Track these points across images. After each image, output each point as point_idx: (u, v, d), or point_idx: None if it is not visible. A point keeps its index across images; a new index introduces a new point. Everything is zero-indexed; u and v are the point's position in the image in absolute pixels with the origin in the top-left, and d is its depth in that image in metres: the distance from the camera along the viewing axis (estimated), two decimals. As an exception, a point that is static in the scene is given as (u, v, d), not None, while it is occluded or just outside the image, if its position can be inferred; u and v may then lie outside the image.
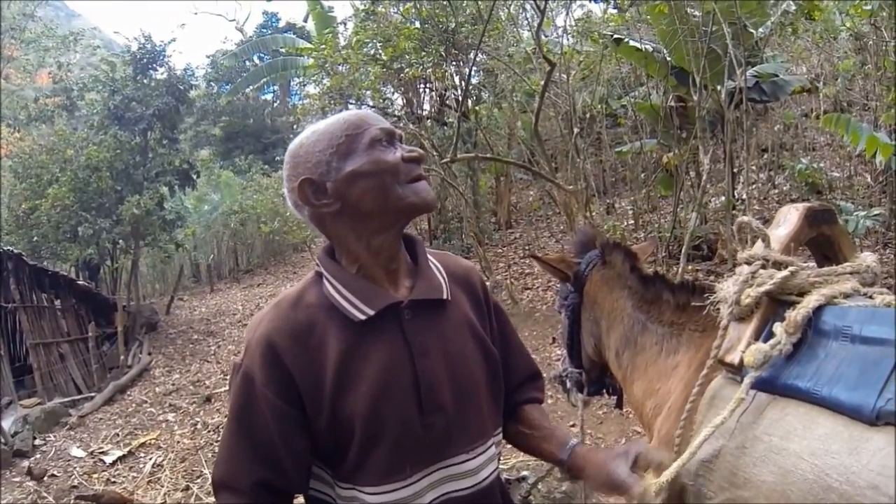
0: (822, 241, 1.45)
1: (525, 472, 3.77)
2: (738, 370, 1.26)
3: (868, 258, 1.30)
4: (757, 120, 8.56)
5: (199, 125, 21.84)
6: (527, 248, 10.04)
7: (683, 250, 5.91)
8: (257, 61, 20.80)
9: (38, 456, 7.14)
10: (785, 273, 1.25)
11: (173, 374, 9.91)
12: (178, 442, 6.99)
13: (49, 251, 11.83)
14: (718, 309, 1.35)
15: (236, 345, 10.51)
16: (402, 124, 9.21)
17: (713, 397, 1.32)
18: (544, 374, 1.56)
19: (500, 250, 10.44)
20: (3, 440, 7.17)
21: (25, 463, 6.85)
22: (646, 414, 1.79)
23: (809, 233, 1.41)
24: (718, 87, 6.35)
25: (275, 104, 24.82)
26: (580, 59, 8.74)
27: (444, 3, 8.25)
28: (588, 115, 8.74)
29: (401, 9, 9.03)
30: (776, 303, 1.27)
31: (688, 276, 6.10)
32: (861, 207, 5.89)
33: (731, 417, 1.19)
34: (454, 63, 9.35)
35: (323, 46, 9.74)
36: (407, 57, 8.53)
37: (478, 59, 8.56)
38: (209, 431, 7.11)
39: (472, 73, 9.01)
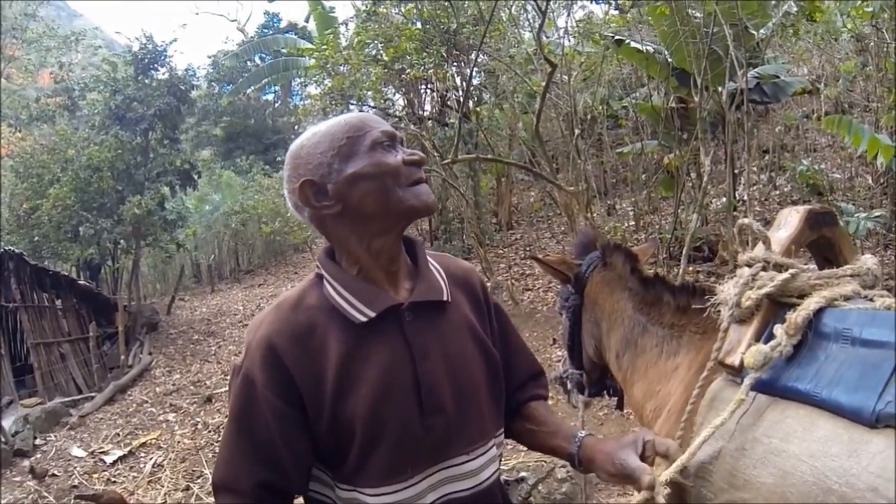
0: (822, 243, 1.45)
1: (525, 473, 3.77)
2: (738, 372, 1.26)
3: (868, 261, 1.30)
4: (758, 121, 8.56)
5: (200, 125, 21.86)
6: (528, 249, 10.04)
7: (684, 252, 5.91)
8: (258, 62, 20.82)
9: (38, 455, 7.15)
10: (785, 275, 1.25)
11: (174, 374, 9.92)
12: (179, 442, 7.00)
13: (50, 251, 11.84)
14: (719, 311, 1.35)
15: (237, 345, 10.52)
16: (403, 125, 9.22)
17: (713, 399, 1.32)
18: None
19: (500, 251, 10.44)
20: (3, 439, 7.18)
21: (26, 462, 6.86)
22: (646, 416, 1.79)
23: (810, 235, 1.41)
24: (719, 89, 6.35)
25: (276, 105, 24.84)
26: (581, 60, 8.74)
27: (446, 3, 8.26)
28: (589, 117, 8.74)
29: (402, 9, 9.04)
30: (777, 305, 1.27)
31: (689, 278, 6.10)
32: (862, 209, 5.88)
33: (730, 419, 1.19)
34: (455, 64, 9.35)
35: (324, 47, 9.75)
36: (408, 58, 8.53)
37: (479, 59, 8.57)
38: (210, 431, 7.11)
39: (474, 73, 9.02)
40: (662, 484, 1.16)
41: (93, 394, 9.46)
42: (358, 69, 9.01)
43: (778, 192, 8.18)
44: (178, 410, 8.15)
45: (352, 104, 9.49)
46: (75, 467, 6.73)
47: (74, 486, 6.23)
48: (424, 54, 8.48)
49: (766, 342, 1.21)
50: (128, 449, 7.03)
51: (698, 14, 6.16)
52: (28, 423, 7.79)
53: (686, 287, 1.81)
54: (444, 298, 1.30)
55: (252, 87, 19.41)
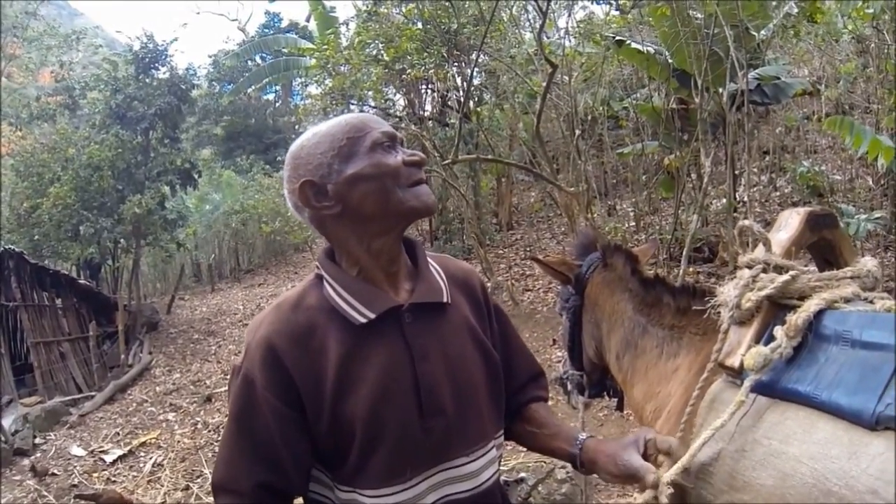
0: (823, 245, 1.45)
1: (524, 474, 3.77)
2: (738, 374, 1.26)
3: (869, 262, 1.30)
4: (758, 122, 8.56)
5: (200, 125, 21.85)
6: (528, 249, 10.04)
7: (684, 252, 5.91)
8: (259, 61, 20.82)
9: (38, 455, 7.15)
10: (786, 277, 1.25)
11: (174, 373, 9.92)
12: (179, 441, 7.00)
13: (50, 250, 11.84)
14: (719, 312, 1.35)
15: (237, 344, 10.52)
16: (403, 125, 9.22)
17: (713, 401, 1.32)
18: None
19: (501, 251, 10.45)
20: (3, 438, 7.18)
21: (26, 461, 6.86)
22: (646, 417, 1.79)
23: (811, 237, 1.41)
24: (720, 90, 6.35)
25: (277, 104, 24.84)
26: (582, 60, 8.74)
27: (447, 4, 8.26)
28: (590, 117, 8.74)
29: (403, 10, 9.04)
30: (777, 307, 1.27)
31: (689, 279, 6.10)
32: (862, 210, 5.88)
33: (730, 420, 1.19)
34: (456, 64, 9.35)
35: (325, 47, 9.75)
36: (409, 58, 8.54)
37: (480, 60, 8.56)
38: (209, 431, 7.12)
39: (474, 74, 9.02)
40: (666, 483, 1.16)
41: (93, 393, 9.46)
42: (358, 69, 9.01)
43: (778, 194, 8.18)
44: (177, 410, 8.15)
45: (352, 104, 9.50)
46: (75, 466, 6.73)
47: (74, 486, 6.23)
48: (425, 54, 8.48)
49: (766, 344, 1.21)
50: (128, 448, 7.03)
51: (699, 15, 6.16)
52: (28, 422, 7.79)
53: (686, 288, 1.81)
54: (444, 300, 1.29)
55: (253, 87, 19.41)
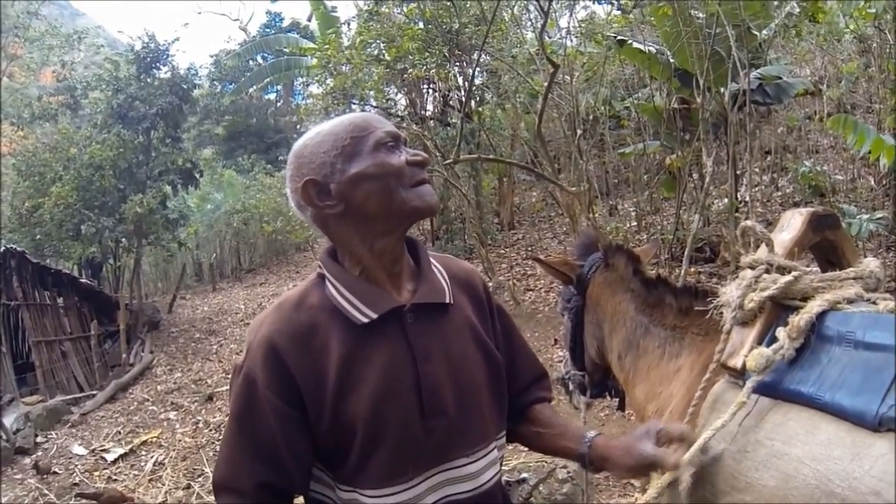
0: (825, 245, 1.45)
1: (525, 474, 3.77)
2: (740, 374, 1.26)
3: (871, 263, 1.30)
4: (760, 122, 8.55)
5: (202, 124, 21.85)
6: (529, 249, 10.04)
7: (686, 252, 5.91)
8: (261, 61, 20.84)
9: (39, 453, 7.16)
10: (788, 278, 1.25)
11: (175, 372, 9.92)
12: (180, 440, 7.00)
13: (52, 249, 11.86)
14: (721, 313, 1.35)
15: (238, 344, 10.53)
16: (405, 125, 9.22)
17: (715, 401, 1.31)
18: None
19: (502, 251, 10.45)
20: (5, 437, 7.19)
21: (27, 460, 6.87)
22: (647, 417, 1.79)
23: (813, 237, 1.41)
24: (722, 90, 6.34)
25: (278, 104, 24.85)
26: (584, 60, 8.74)
27: (448, 3, 8.25)
28: (591, 117, 8.74)
29: (404, 9, 9.04)
30: (779, 307, 1.27)
31: (690, 279, 6.10)
32: (864, 211, 5.88)
33: (732, 421, 1.19)
34: (457, 64, 9.35)
35: (326, 46, 9.74)
36: (410, 57, 8.54)
37: (481, 60, 8.56)
38: (211, 430, 7.12)
39: (476, 73, 9.01)
40: (686, 463, 1.16)
41: (94, 392, 9.46)
42: (360, 69, 9.02)
43: (780, 194, 8.17)
44: (179, 409, 8.15)
45: (354, 104, 9.50)
46: (76, 465, 6.74)
47: (75, 484, 6.23)
48: (426, 54, 8.48)
49: (768, 345, 1.21)
50: (129, 447, 7.03)
51: (701, 15, 6.15)
52: (29, 421, 7.80)
53: (688, 289, 1.81)
54: (447, 300, 1.29)
55: (254, 87, 19.43)
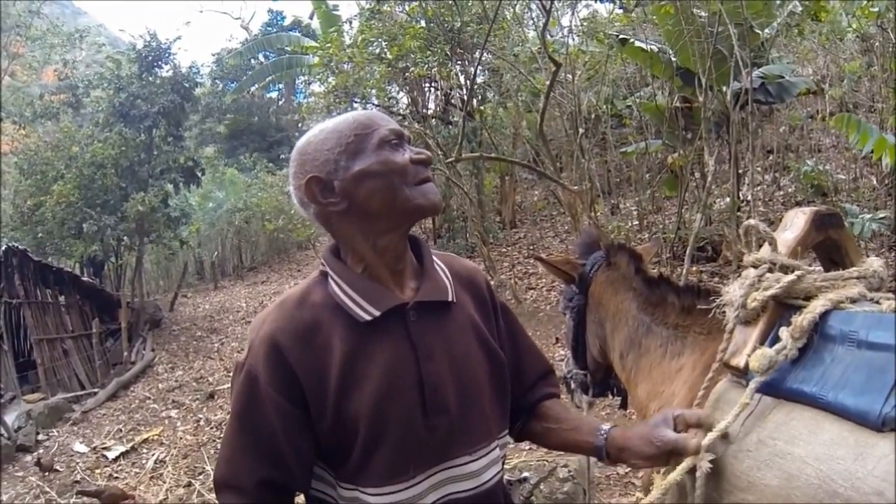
0: (828, 245, 1.45)
1: (527, 473, 3.76)
2: (743, 374, 1.25)
3: (875, 263, 1.30)
4: (762, 121, 8.54)
5: (204, 123, 21.88)
6: (531, 247, 10.04)
7: (688, 251, 5.91)
8: (262, 59, 20.83)
9: (41, 451, 7.17)
10: (791, 277, 1.24)
11: (176, 370, 9.94)
12: (181, 438, 7.01)
13: (54, 247, 11.88)
14: (724, 312, 1.35)
15: (240, 342, 10.54)
16: (406, 123, 9.22)
17: (718, 400, 1.31)
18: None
19: (504, 250, 10.44)
20: (6, 435, 7.20)
21: (28, 458, 6.88)
22: (649, 416, 1.78)
23: (816, 237, 1.40)
24: (724, 88, 6.33)
25: (280, 102, 24.89)
26: (585, 59, 8.72)
27: (450, 2, 8.25)
28: (593, 116, 8.72)
29: (406, 8, 9.04)
30: (782, 307, 1.26)
31: (692, 278, 6.10)
32: (866, 210, 5.87)
33: (735, 422, 1.18)
34: (459, 62, 9.35)
35: (328, 45, 9.74)
36: (412, 56, 8.54)
37: (483, 58, 8.56)
38: (212, 428, 7.13)
39: (478, 72, 9.01)
40: (706, 447, 1.16)
41: (95, 390, 9.48)
42: (362, 67, 9.01)
43: (782, 193, 8.16)
44: (180, 407, 8.16)
45: (356, 102, 9.50)
46: (77, 463, 6.75)
47: (77, 482, 6.25)
48: (428, 53, 8.48)
49: (771, 344, 1.21)
50: (130, 445, 7.04)
51: (703, 13, 6.15)
52: (31, 419, 7.82)
53: (691, 287, 1.81)
54: (450, 299, 1.29)
55: (256, 85, 19.45)
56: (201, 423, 7.39)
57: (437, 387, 1.21)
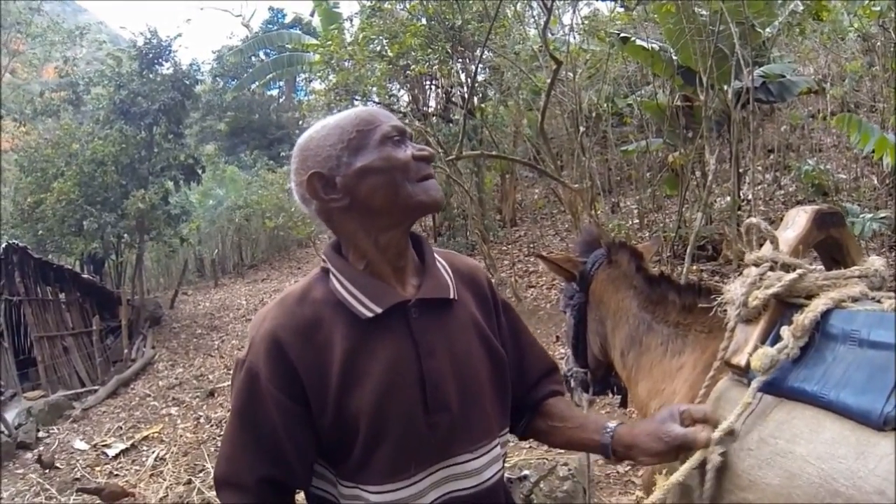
0: (830, 243, 1.44)
1: (527, 472, 3.76)
2: (744, 372, 1.25)
3: (876, 262, 1.29)
4: (763, 120, 8.54)
5: (204, 120, 21.87)
6: (531, 246, 10.03)
7: (688, 250, 5.90)
8: (263, 57, 20.81)
9: (41, 448, 7.18)
10: (793, 276, 1.24)
11: (177, 368, 9.94)
12: (181, 436, 7.02)
13: (54, 245, 11.89)
14: (725, 310, 1.35)
15: (240, 339, 10.54)
16: (407, 121, 9.20)
17: (719, 399, 1.31)
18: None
19: (504, 248, 10.44)
20: (6, 432, 7.20)
21: (29, 455, 6.89)
22: (650, 414, 1.78)
23: (818, 235, 1.40)
24: (725, 87, 6.33)
25: (280, 100, 24.88)
26: (587, 57, 8.71)
27: (451, 0, 8.24)
28: (594, 114, 8.71)
29: (407, 5, 9.03)
30: (784, 305, 1.26)
31: (692, 277, 6.09)
32: (867, 210, 5.86)
33: (737, 421, 1.18)
34: (460, 60, 9.35)
35: (329, 43, 9.74)
36: (413, 54, 8.53)
37: (484, 56, 8.55)
38: (212, 426, 7.13)
39: (478, 70, 9.00)
40: (716, 441, 1.15)
41: (96, 387, 9.49)
42: (362, 65, 9.00)
43: (783, 192, 8.15)
44: (180, 404, 8.17)
45: (356, 100, 9.49)
46: (78, 460, 6.76)
47: (77, 479, 6.26)
48: (429, 50, 8.47)
49: (773, 343, 1.21)
50: (130, 442, 7.05)
51: (704, 12, 6.14)
52: (31, 416, 7.83)
53: (692, 286, 1.81)
54: (451, 296, 1.29)
55: (256, 83, 19.43)
56: (201, 420, 7.39)
57: (439, 384, 1.21)
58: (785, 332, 1.19)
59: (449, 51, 8.67)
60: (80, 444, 7.22)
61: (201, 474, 5.96)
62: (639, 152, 8.42)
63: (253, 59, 21.17)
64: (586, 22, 8.88)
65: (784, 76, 6.87)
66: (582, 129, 7.75)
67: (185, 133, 15.08)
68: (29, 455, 6.92)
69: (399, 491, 1.19)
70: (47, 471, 6.49)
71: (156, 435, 7.21)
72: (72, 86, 15.46)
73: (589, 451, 1.37)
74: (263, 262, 18.06)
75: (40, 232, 11.57)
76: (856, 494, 0.98)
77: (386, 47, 9.06)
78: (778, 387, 1.17)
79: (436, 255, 1.35)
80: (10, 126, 16.19)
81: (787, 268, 1.27)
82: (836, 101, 8.24)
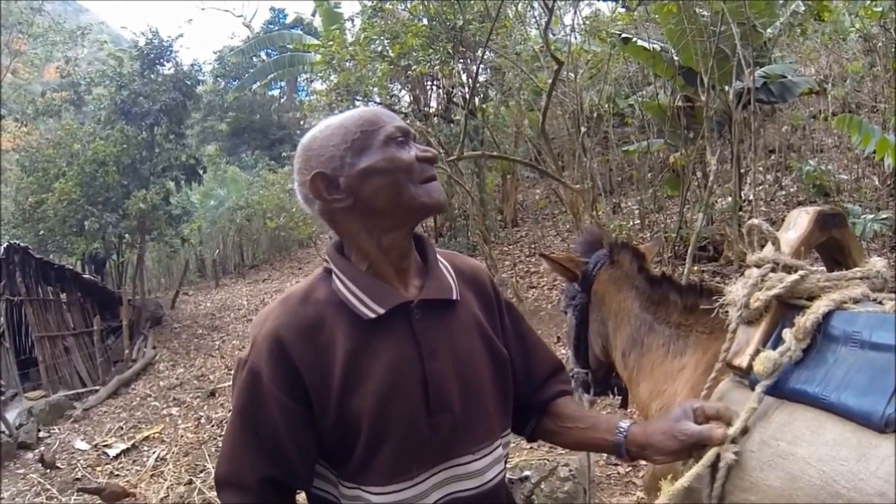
0: (832, 245, 1.44)
1: (528, 472, 3.76)
2: (745, 373, 1.25)
3: (878, 263, 1.29)
4: (765, 121, 8.53)
5: (205, 121, 21.88)
6: (533, 246, 10.03)
7: (689, 251, 5.89)
8: (264, 57, 20.80)
9: (42, 448, 7.18)
10: (795, 277, 1.24)
11: (177, 368, 9.95)
12: (182, 436, 7.02)
13: (55, 245, 11.91)
14: (726, 312, 1.34)
15: (241, 340, 10.55)
16: (409, 121, 9.20)
17: (720, 400, 1.31)
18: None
19: (505, 248, 10.44)
20: (7, 432, 7.21)
21: (30, 455, 6.89)
22: (651, 415, 1.79)
23: (820, 236, 1.40)
24: (726, 88, 6.32)
25: (282, 100, 24.89)
26: (588, 57, 8.71)
27: (452, 0, 8.24)
28: (595, 114, 8.71)
29: (408, 6, 9.02)
30: (785, 306, 1.26)
31: (693, 277, 6.08)
32: (869, 210, 5.86)
33: (741, 426, 1.17)
34: (461, 60, 9.34)
35: (330, 43, 9.73)
36: (414, 54, 8.53)
37: (485, 56, 8.54)
38: (213, 426, 7.14)
39: (480, 70, 8.99)
40: (731, 439, 1.14)
41: (97, 387, 9.50)
42: (364, 65, 9.00)
43: (784, 193, 8.15)
44: (181, 404, 8.17)
45: (357, 100, 9.48)
46: (79, 460, 6.77)
47: (77, 479, 6.26)
48: (430, 51, 8.47)
49: (774, 345, 1.21)
50: (131, 442, 7.06)
51: (705, 12, 6.13)
52: (32, 416, 7.83)
53: (693, 287, 1.81)
54: (454, 297, 1.28)
55: (258, 83, 19.43)
56: (202, 420, 7.40)
57: (441, 385, 1.21)
58: (787, 334, 1.19)
59: (450, 51, 8.66)
60: (80, 444, 7.22)
61: (202, 474, 5.96)
62: (640, 153, 8.42)
63: (254, 59, 21.17)
64: (587, 22, 8.89)
65: (785, 77, 6.87)
66: (583, 129, 7.75)
67: (187, 133, 15.08)
68: (30, 455, 6.93)
69: (401, 492, 1.19)
70: (48, 471, 6.49)
71: (157, 435, 7.21)
72: (73, 86, 15.48)
73: (601, 452, 1.35)
74: (264, 262, 18.07)
75: (42, 232, 11.58)
76: (857, 496, 0.98)
77: (387, 47, 9.05)
78: (779, 388, 1.17)
79: (438, 256, 1.35)
80: (11, 126, 16.22)
81: (788, 269, 1.27)
82: (838, 101, 8.24)
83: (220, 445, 1.29)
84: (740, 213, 6.45)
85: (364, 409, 1.17)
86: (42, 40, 18.47)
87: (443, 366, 1.22)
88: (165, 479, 6.00)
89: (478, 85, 9.60)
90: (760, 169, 7.99)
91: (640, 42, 7.00)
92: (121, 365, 10.45)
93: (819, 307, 1.18)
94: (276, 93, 25.15)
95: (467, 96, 9.04)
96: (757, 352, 1.22)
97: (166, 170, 12.32)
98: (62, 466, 6.66)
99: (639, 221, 8.70)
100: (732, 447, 1.14)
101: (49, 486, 6.13)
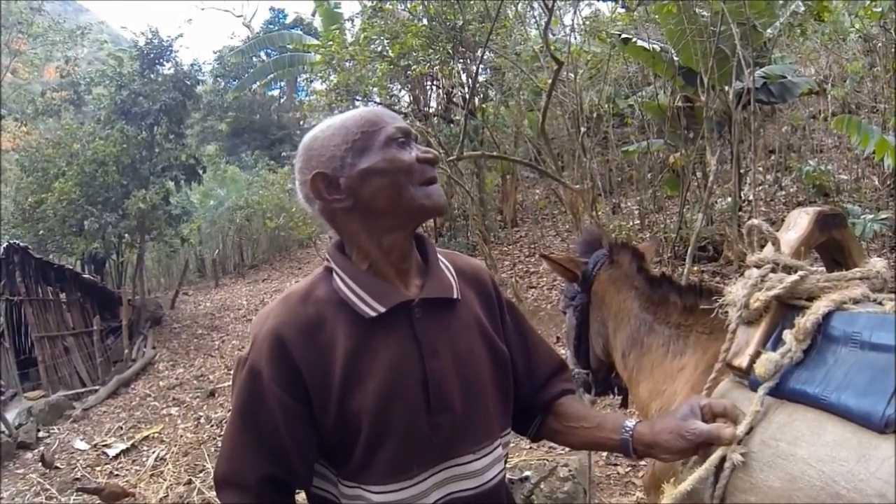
0: (832, 245, 1.44)
1: (527, 472, 3.76)
2: (745, 374, 1.25)
3: (878, 263, 1.29)
4: (764, 121, 8.53)
5: (205, 120, 21.85)
6: (532, 246, 10.03)
7: (689, 251, 5.89)
8: (264, 57, 20.79)
9: (41, 448, 7.18)
10: (795, 277, 1.24)
11: (177, 368, 9.94)
12: (182, 436, 7.02)
13: (55, 245, 11.91)
14: (726, 312, 1.34)
15: (240, 340, 10.55)
16: (408, 121, 9.16)
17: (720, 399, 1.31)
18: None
19: (505, 248, 10.44)
20: (7, 432, 7.21)
21: (29, 455, 6.89)
22: (651, 415, 1.79)
23: (820, 237, 1.40)
24: (726, 88, 6.32)
25: (281, 100, 24.89)
26: (588, 57, 8.71)
27: (452, 0, 8.24)
28: (595, 115, 8.71)
29: (408, 6, 9.02)
30: (785, 307, 1.26)
31: (693, 277, 6.08)
32: (868, 211, 5.86)
33: (744, 427, 1.17)
34: (461, 61, 9.34)
35: (330, 43, 9.72)
36: (414, 54, 8.53)
37: (485, 56, 8.54)
38: (212, 426, 7.13)
39: (480, 70, 8.99)
40: (738, 438, 1.14)
41: (96, 387, 9.49)
42: (364, 65, 9.00)
43: (784, 193, 8.15)
44: (181, 404, 8.17)
45: (357, 100, 9.48)
46: (78, 460, 6.76)
47: (77, 479, 6.26)
48: (430, 51, 8.47)
49: (774, 345, 1.21)
50: (130, 442, 7.05)
51: (705, 13, 6.13)
52: (32, 416, 7.83)
53: (693, 287, 1.81)
54: (455, 296, 1.28)
55: (257, 83, 19.41)
56: (202, 420, 7.39)
57: (442, 384, 1.21)
58: (787, 335, 1.19)
59: (450, 51, 8.66)
60: (80, 444, 7.22)
61: (202, 474, 5.96)
62: (640, 153, 8.42)
63: (254, 59, 21.15)
64: (587, 22, 8.89)
65: (785, 77, 6.87)
66: (583, 129, 7.75)
67: (187, 133, 15.08)
68: (29, 455, 6.93)
69: (401, 491, 1.19)
70: (48, 471, 6.49)
71: (156, 435, 7.21)
72: (73, 86, 15.48)
73: (607, 451, 1.35)
74: (264, 262, 18.07)
75: (41, 232, 11.58)
76: (857, 497, 0.98)
77: (387, 48, 9.05)
78: (779, 389, 1.17)
79: (439, 255, 1.35)
80: (11, 126, 16.22)
81: (788, 269, 1.27)
82: (838, 101, 8.24)
83: (220, 445, 1.29)
84: (740, 213, 6.45)
85: (364, 407, 1.17)
86: (42, 40, 18.47)
87: (443, 365, 1.22)
88: (165, 479, 6.00)
89: (478, 85, 9.60)
90: (760, 169, 8.00)
91: (639, 42, 7.00)
92: (120, 365, 10.44)
93: (819, 308, 1.18)
94: (275, 93, 25.14)
95: (467, 96, 9.04)
96: (757, 353, 1.22)
97: (166, 170, 12.32)
98: (62, 466, 6.66)
99: (638, 222, 8.71)
100: (739, 448, 1.13)
101: (48, 486, 6.13)
